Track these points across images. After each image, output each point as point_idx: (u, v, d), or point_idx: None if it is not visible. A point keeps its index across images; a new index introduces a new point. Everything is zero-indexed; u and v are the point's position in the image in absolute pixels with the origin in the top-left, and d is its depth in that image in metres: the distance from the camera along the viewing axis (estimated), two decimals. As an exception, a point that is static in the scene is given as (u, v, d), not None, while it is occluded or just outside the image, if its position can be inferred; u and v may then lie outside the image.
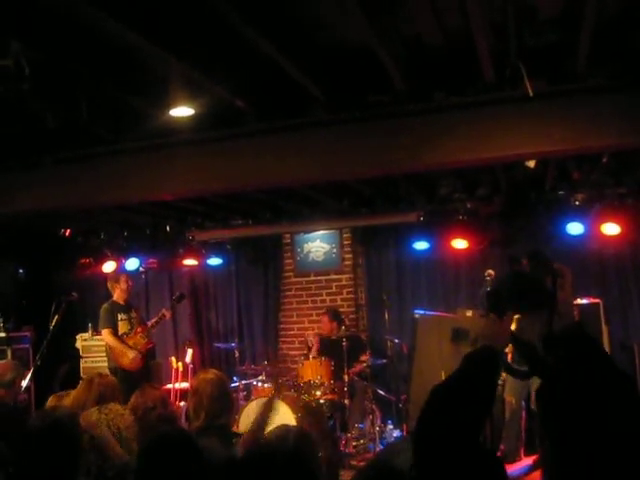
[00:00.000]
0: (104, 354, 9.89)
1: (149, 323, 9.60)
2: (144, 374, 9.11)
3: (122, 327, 9.30)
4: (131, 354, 9.07)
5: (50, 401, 5.50)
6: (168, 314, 9.70)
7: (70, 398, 5.25)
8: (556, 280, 2.36)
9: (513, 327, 2.37)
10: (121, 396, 5.34)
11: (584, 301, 9.36)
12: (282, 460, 2.67)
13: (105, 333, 9.27)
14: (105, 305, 9.47)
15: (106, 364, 9.49)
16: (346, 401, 8.67)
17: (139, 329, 9.34)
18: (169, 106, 5.59)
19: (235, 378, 9.49)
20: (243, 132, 6.30)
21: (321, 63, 5.18)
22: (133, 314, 9.54)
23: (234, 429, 5.75)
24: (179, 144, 6.51)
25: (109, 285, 9.64)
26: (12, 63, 4.17)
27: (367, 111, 5.94)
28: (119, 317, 9.33)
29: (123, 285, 9.54)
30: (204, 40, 4.71)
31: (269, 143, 6.30)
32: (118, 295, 9.52)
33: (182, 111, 5.67)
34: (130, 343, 9.18)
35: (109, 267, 10.84)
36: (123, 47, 4.61)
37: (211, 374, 4.91)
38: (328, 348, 9.31)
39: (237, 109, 5.83)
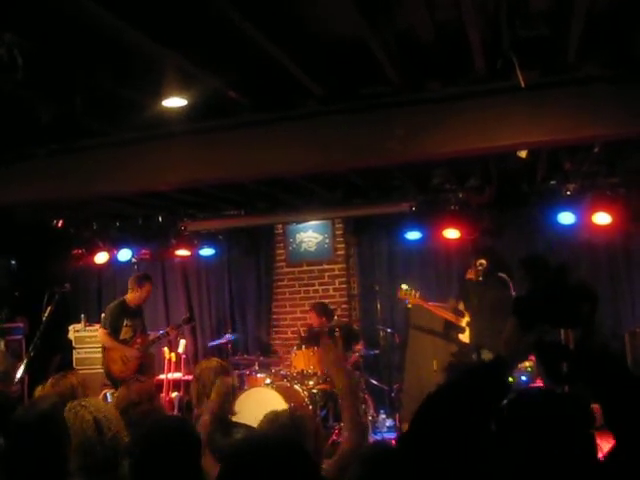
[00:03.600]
0: (97, 345, 9.89)
1: (151, 336, 9.45)
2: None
3: (124, 333, 9.08)
4: (121, 365, 8.87)
5: (38, 391, 5.51)
6: (173, 333, 9.53)
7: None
8: (595, 307, 2.31)
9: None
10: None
11: (575, 290, 9.38)
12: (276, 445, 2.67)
13: (101, 333, 9.13)
14: (114, 304, 9.26)
15: (98, 355, 9.50)
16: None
17: (139, 340, 9.13)
18: (162, 97, 5.59)
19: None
20: (237, 123, 6.32)
21: (315, 55, 5.18)
22: (138, 321, 9.32)
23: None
24: (173, 135, 6.51)
25: (129, 284, 9.32)
26: (5, 53, 4.16)
27: (360, 102, 5.96)
28: (125, 322, 9.09)
29: (144, 294, 9.29)
30: (197, 31, 4.71)
31: (263, 134, 6.31)
32: (132, 298, 9.24)
33: (175, 102, 5.67)
34: (126, 353, 8.97)
35: (101, 258, 10.84)
36: (115, 38, 4.59)
37: (214, 362, 4.96)
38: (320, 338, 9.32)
39: (231, 100, 5.84)
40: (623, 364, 2.31)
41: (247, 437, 3.28)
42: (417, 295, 9.20)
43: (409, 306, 9.76)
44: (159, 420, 3.59)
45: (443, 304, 9.57)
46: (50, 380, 5.11)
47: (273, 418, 3.54)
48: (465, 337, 8.71)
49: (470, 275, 8.75)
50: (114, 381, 8.70)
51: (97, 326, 10.02)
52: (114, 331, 9.00)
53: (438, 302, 9.66)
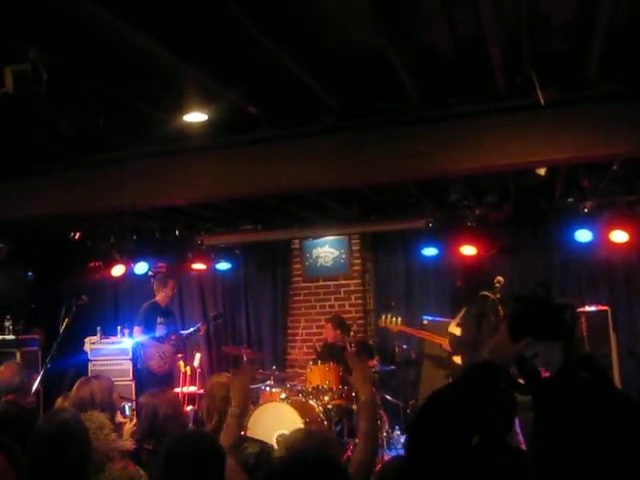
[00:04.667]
0: (112, 357, 9.96)
1: (183, 333, 9.89)
2: (169, 378, 9.46)
3: (159, 331, 9.58)
4: (158, 360, 9.35)
5: (59, 402, 5.53)
6: (203, 329, 10.07)
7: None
8: (575, 316, 2.38)
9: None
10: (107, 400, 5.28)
11: (592, 308, 9.38)
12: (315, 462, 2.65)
13: (136, 330, 9.62)
14: (146, 304, 9.82)
15: (114, 367, 9.59)
16: (354, 406, 8.64)
17: (173, 336, 9.60)
18: (182, 112, 5.62)
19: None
20: (256, 138, 6.34)
21: (334, 70, 5.20)
22: (171, 320, 9.89)
23: (242, 433, 5.75)
24: (192, 150, 6.54)
25: (155, 286, 9.95)
26: (29, 68, 4.20)
27: (379, 118, 5.97)
28: (158, 320, 9.63)
29: (169, 291, 9.93)
30: (218, 47, 4.73)
31: (282, 149, 6.34)
32: (161, 298, 9.86)
33: (195, 117, 5.71)
34: (162, 348, 9.44)
35: (118, 271, 10.87)
36: (138, 53, 4.64)
37: (225, 377, 4.94)
38: (336, 354, 9.30)
39: (250, 115, 5.86)
40: (607, 375, 2.32)
41: (288, 456, 3.26)
42: (399, 322, 9.21)
43: (425, 322, 9.75)
44: (184, 434, 3.59)
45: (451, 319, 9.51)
46: (77, 383, 5.16)
47: (309, 434, 3.52)
48: (458, 359, 8.60)
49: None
50: (151, 377, 9.07)
51: (113, 338, 10.14)
52: (149, 329, 9.50)
53: (454, 319, 9.63)
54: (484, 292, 7.85)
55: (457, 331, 8.21)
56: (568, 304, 2.40)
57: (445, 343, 8.52)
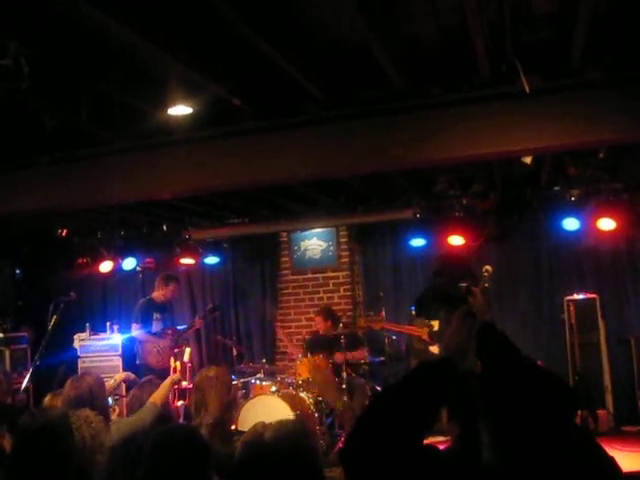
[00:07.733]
0: (102, 354, 9.95)
1: (180, 328, 9.95)
2: (167, 373, 9.33)
3: (155, 326, 9.61)
4: (156, 355, 9.37)
5: (47, 400, 5.49)
6: (199, 323, 10.09)
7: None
8: (469, 287, 2.54)
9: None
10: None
11: (580, 296, 9.42)
12: (283, 456, 2.67)
13: (133, 327, 9.62)
14: (142, 300, 9.86)
15: (103, 363, 9.59)
16: (344, 398, 8.65)
17: (169, 331, 9.64)
18: (167, 105, 5.59)
19: (233, 377, 9.48)
20: (241, 130, 6.31)
21: (318, 61, 5.20)
22: (167, 315, 9.93)
23: (233, 427, 5.75)
24: (177, 143, 6.51)
25: (156, 282, 9.92)
26: (11, 62, 4.17)
27: (364, 108, 5.95)
28: (154, 316, 9.64)
29: (168, 293, 9.86)
30: (201, 39, 4.72)
31: (267, 141, 6.31)
32: (158, 295, 9.81)
33: (180, 110, 5.68)
34: (160, 343, 9.48)
35: (106, 267, 10.85)
36: (121, 46, 4.62)
37: (214, 371, 4.93)
38: (325, 345, 9.31)
39: (235, 107, 5.84)
40: (506, 338, 2.40)
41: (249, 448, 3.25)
42: (381, 318, 9.20)
43: (413, 313, 9.76)
44: (168, 428, 3.58)
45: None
46: (68, 382, 5.08)
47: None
48: (435, 349, 8.60)
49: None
50: (149, 373, 8.96)
51: (102, 335, 10.14)
52: (145, 325, 9.52)
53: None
54: (462, 284, 7.81)
55: (435, 322, 8.24)
56: (465, 284, 2.54)
57: (425, 334, 8.54)
